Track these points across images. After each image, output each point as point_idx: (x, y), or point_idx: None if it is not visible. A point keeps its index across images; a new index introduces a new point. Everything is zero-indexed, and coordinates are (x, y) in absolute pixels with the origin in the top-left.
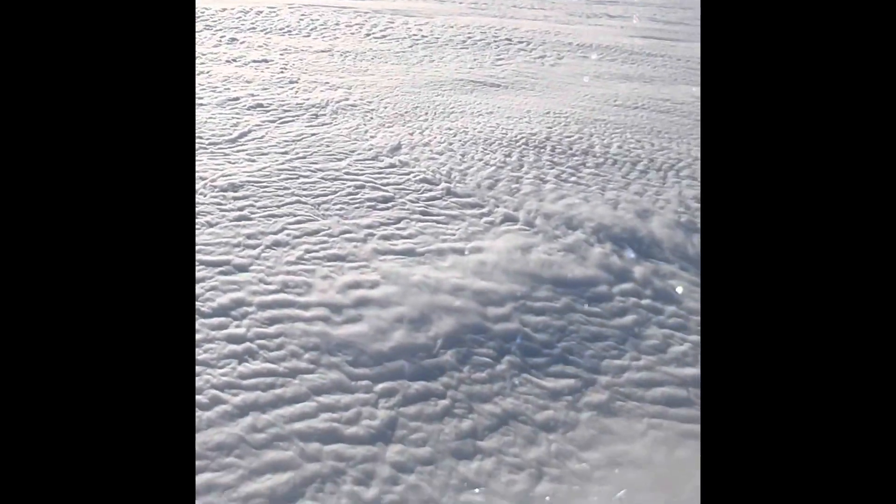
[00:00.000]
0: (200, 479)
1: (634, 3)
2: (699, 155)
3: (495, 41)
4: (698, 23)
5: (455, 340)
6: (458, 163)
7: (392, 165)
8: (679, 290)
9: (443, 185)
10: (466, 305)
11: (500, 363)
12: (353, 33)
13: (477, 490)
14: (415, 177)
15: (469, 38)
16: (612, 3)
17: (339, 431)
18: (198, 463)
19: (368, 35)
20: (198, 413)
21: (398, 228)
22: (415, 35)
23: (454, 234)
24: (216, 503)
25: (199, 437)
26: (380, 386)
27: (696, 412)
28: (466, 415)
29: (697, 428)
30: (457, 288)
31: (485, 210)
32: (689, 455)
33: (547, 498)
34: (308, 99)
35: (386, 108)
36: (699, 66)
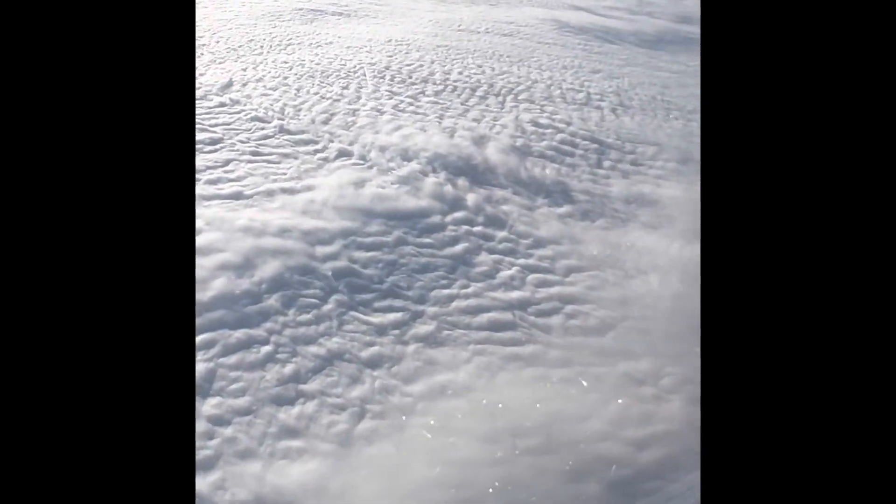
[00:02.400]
0: None
1: None
2: (538, 78)
3: None
4: None
5: (281, 283)
6: (293, 98)
7: (222, 104)
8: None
9: (275, 122)
10: (294, 246)
11: (327, 303)
12: None
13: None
14: (246, 115)
15: None
16: None
17: None
18: None
19: None
20: None
21: (226, 171)
22: None
23: (285, 174)
24: None
25: None
26: (199, 338)
27: (520, 335)
28: (290, 359)
29: (520, 350)
30: (284, 229)
31: (319, 146)
32: (511, 378)
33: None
34: None
35: (218, 42)
36: None
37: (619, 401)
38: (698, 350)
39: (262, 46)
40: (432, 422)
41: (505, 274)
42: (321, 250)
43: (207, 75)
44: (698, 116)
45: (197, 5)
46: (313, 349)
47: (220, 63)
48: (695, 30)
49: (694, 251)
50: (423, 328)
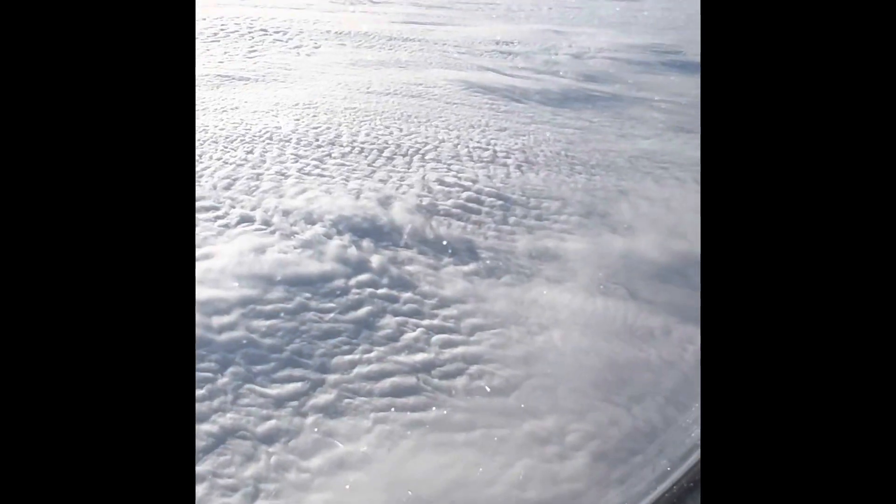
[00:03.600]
0: None
1: None
2: (445, 137)
3: (250, 32)
4: (459, 6)
5: None
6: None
7: None
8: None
9: None
10: None
11: (222, 376)
12: None
13: None
14: None
15: (222, 29)
16: None
17: None
18: None
19: None
20: None
21: None
22: None
23: None
24: None
25: None
26: None
27: (423, 399)
28: None
29: (423, 416)
30: None
31: (220, 212)
32: (413, 445)
33: None
34: None
35: None
36: (455, 50)
37: (524, 462)
38: (601, 404)
39: None
40: (330, 498)
41: (409, 336)
42: (218, 321)
43: None
44: (601, 171)
45: None
46: (205, 427)
47: None
48: (598, 87)
49: (596, 303)
50: (323, 398)
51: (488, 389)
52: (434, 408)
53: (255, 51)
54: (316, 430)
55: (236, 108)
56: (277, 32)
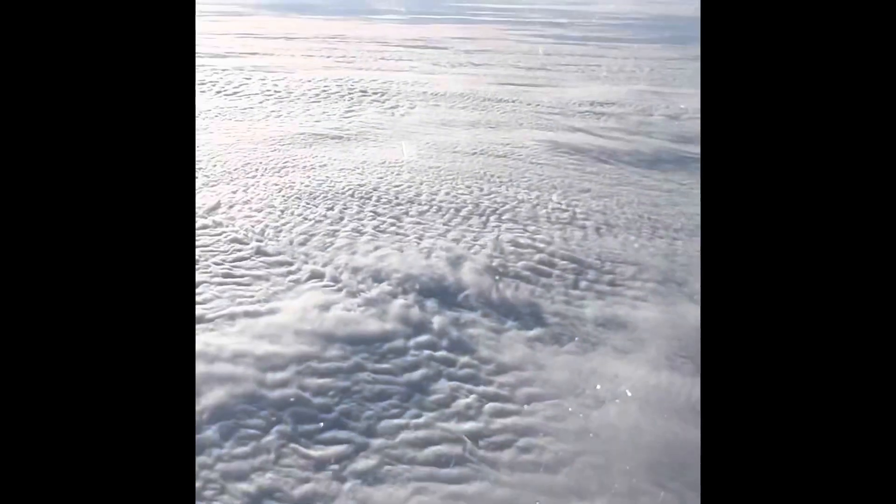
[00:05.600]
0: None
1: (500, 52)
2: (525, 198)
3: (350, 93)
4: (560, 67)
5: (224, 413)
6: (276, 220)
7: (205, 226)
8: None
9: (254, 243)
10: (245, 373)
11: (268, 434)
12: (202, 91)
13: None
14: (226, 237)
15: (324, 91)
16: (479, 51)
17: None
18: None
19: (219, 92)
20: None
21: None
22: (268, 90)
23: (252, 297)
24: None
25: None
26: None
27: (467, 471)
28: (216, 497)
29: (465, 488)
30: (237, 354)
31: (293, 268)
32: None
33: None
34: None
35: (215, 166)
36: (548, 110)
37: None
38: (652, 488)
39: (256, 169)
40: None
41: (461, 402)
42: (272, 377)
43: (197, 198)
44: (684, 234)
45: (202, 130)
46: (243, 486)
47: (212, 186)
48: (692, 149)
49: (660, 378)
50: (364, 463)
51: (536, 464)
52: (476, 481)
53: (352, 111)
54: (352, 496)
55: (324, 165)
56: (376, 93)
